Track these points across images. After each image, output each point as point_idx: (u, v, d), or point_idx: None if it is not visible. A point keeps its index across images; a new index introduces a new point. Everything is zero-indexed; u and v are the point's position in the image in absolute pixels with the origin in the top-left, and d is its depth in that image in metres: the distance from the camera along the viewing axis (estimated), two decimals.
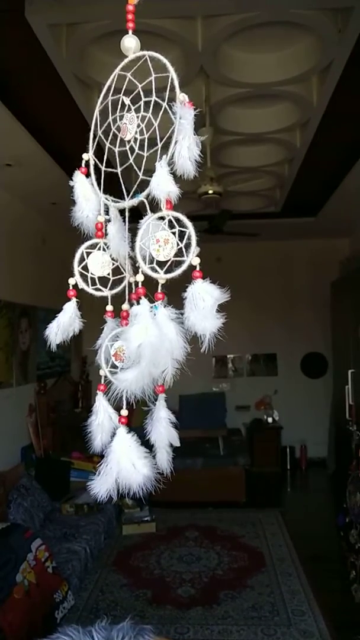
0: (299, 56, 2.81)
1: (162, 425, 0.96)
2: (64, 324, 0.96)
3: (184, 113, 0.85)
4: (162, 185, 0.86)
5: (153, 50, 0.93)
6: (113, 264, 1.00)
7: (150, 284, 0.88)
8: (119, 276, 1.01)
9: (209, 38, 2.55)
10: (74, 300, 0.97)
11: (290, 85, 3.02)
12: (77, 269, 0.97)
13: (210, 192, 3.57)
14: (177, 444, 0.97)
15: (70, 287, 0.96)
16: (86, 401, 6.42)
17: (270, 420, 6.73)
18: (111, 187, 1.00)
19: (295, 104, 3.31)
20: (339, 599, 3.41)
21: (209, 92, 3.13)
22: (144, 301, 0.86)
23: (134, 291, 1.00)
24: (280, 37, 2.70)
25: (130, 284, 1.01)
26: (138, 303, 0.87)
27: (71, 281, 0.96)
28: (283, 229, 6.43)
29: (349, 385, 5.11)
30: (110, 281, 1.00)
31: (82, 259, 0.98)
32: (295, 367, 7.14)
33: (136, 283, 0.90)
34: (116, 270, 1.01)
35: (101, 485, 0.90)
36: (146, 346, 0.82)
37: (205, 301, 0.82)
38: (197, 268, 0.84)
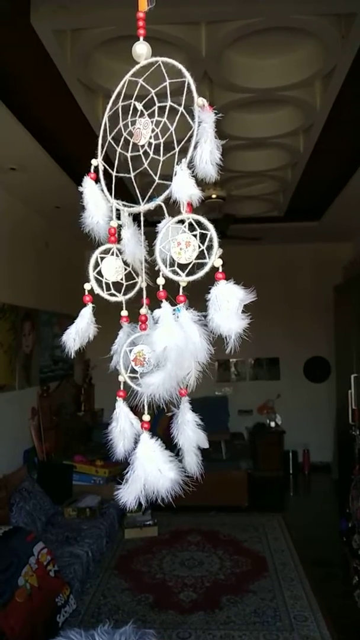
0: (302, 62, 2.82)
1: (190, 428, 0.94)
2: (83, 330, 0.95)
3: (205, 117, 0.85)
4: (184, 188, 0.85)
5: (158, 55, 0.93)
6: (125, 269, 0.99)
7: (168, 288, 0.87)
8: (132, 281, 1.00)
9: (212, 44, 2.57)
10: (90, 305, 0.97)
11: (293, 91, 3.03)
12: (92, 274, 0.96)
13: (214, 196, 3.58)
14: (206, 445, 0.96)
15: (86, 293, 0.96)
16: (89, 405, 6.43)
17: (273, 424, 6.72)
18: (118, 193, 1.01)
19: (299, 109, 3.32)
20: (342, 604, 3.39)
21: (213, 97, 3.14)
22: (165, 304, 0.85)
23: (145, 296, 0.99)
24: (283, 42, 2.71)
25: (142, 288, 1.00)
26: (151, 308, 0.87)
27: (87, 286, 0.96)
28: (286, 233, 6.44)
29: (352, 389, 5.10)
30: (124, 286, 0.99)
31: (95, 265, 0.97)
32: (298, 371, 7.13)
33: (151, 287, 0.89)
34: (128, 276, 1.01)
35: (129, 493, 0.89)
36: (172, 349, 0.82)
37: (229, 302, 0.81)
38: (220, 269, 0.84)
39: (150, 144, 0.93)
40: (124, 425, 0.97)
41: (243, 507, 5.34)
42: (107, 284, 0.98)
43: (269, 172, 4.42)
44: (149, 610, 3.35)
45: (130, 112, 0.96)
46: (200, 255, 0.85)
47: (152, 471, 0.88)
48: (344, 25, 2.44)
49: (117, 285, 0.99)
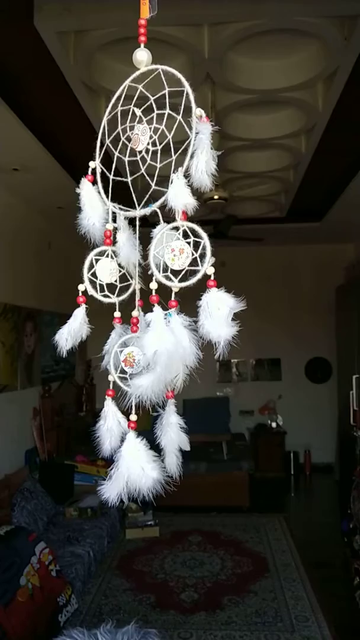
0: (304, 63, 2.83)
1: (173, 430, 0.97)
2: (75, 330, 0.97)
3: (202, 128, 0.87)
4: (179, 197, 0.87)
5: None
6: (120, 272, 1.01)
7: (160, 292, 0.89)
8: (125, 283, 1.02)
9: (215, 45, 2.57)
10: (83, 306, 0.98)
11: (295, 92, 3.04)
12: (86, 275, 0.98)
13: (216, 197, 3.58)
14: (187, 448, 0.98)
15: (80, 294, 0.97)
16: (90, 405, 6.44)
17: (274, 425, 6.73)
18: (117, 195, 1.01)
19: (301, 110, 3.32)
20: (343, 605, 3.40)
21: (215, 98, 3.15)
22: (157, 308, 0.87)
23: (139, 298, 1.01)
24: (286, 44, 2.72)
25: (136, 291, 1.02)
26: (143, 311, 0.88)
27: (81, 287, 0.97)
28: (288, 234, 6.44)
29: (353, 390, 5.10)
30: (118, 288, 1.01)
31: (90, 266, 0.99)
32: (299, 372, 7.13)
33: (144, 289, 0.91)
34: (122, 278, 1.02)
35: (112, 490, 0.92)
36: (162, 353, 0.83)
37: (220, 309, 0.83)
38: (212, 277, 0.85)
39: (147, 150, 0.94)
40: (111, 424, 0.99)
41: (244, 507, 5.34)
42: (102, 286, 0.99)
43: (271, 173, 4.42)
44: (150, 611, 3.36)
45: (130, 116, 0.97)
46: (193, 262, 0.87)
47: (135, 469, 0.90)
48: (347, 27, 2.45)
49: (112, 287, 1.01)
